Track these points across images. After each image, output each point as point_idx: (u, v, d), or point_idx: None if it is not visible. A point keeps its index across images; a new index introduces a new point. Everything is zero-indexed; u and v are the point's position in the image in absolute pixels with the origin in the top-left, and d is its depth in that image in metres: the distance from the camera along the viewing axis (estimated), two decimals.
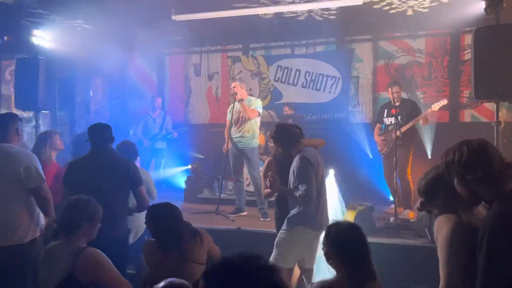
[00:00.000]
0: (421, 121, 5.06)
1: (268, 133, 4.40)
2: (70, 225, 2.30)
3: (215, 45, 7.77)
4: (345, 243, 2.09)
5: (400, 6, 5.59)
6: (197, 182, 6.44)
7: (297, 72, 7.38)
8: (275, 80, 7.50)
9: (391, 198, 5.77)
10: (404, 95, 5.66)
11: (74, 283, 2.13)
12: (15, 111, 5.38)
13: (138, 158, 4.07)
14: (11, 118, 3.18)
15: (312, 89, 7.29)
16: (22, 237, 3.03)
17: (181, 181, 6.59)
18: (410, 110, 5.14)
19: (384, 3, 5.47)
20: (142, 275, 2.34)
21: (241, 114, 5.27)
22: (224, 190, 6.18)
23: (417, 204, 2.12)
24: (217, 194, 6.20)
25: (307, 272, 3.46)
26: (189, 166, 6.45)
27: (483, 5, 3.84)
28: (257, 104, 5.30)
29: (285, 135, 3.39)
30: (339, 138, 6.39)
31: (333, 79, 7.17)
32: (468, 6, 4.65)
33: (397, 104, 4.85)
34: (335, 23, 6.27)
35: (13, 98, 5.45)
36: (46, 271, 2.25)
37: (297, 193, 3.18)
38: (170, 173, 6.72)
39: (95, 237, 2.44)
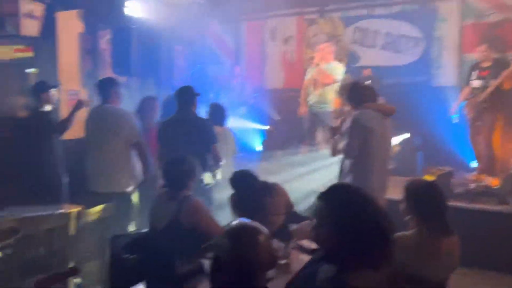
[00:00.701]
0: (505, 84, 4.73)
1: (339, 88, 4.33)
2: (177, 184, 2.63)
3: (292, 8, 7.74)
4: (424, 199, 2.17)
5: None
6: (273, 144, 6.67)
7: (376, 34, 7.15)
8: (353, 42, 7.34)
9: (472, 164, 5.56)
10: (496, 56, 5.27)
11: (179, 226, 2.48)
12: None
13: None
14: (110, 81, 3.59)
15: (392, 51, 7.04)
16: (124, 185, 3.50)
17: (257, 143, 6.86)
18: (500, 68, 4.81)
19: None
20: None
21: (315, 78, 5.32)
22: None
23: None
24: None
25: None
26: (267, 127, 6.67)
27: None
28: (338, 70, 5.31)
29: (353, 94, 3.45)
30: (420, 102, 6.17)
31: (415, 40, 6.85)
32: None
33: (485, 65, 4.57)
34: None
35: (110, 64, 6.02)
36: (156, 214, 2.64)
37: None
38: (247, 133, 7.02)
39: None
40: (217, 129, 3.92)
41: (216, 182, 3.85)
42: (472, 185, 4.44)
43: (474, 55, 5.25)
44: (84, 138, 3.70)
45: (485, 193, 4.29)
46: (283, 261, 2.32)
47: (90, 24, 5.78)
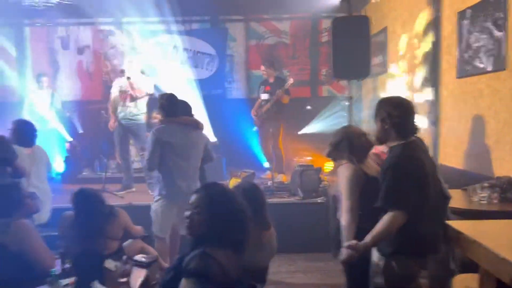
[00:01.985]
0: (282, 99, 5.78)
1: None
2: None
3: (84, 17, 7.34)
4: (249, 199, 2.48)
5: None
6: (77, 162, 6.20)
7: (175, 49, 7.50)
8: (152, 56, 7.48)
9: (265, 165, 6.50)
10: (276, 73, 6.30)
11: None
12: None
13: None
14: None
15: (190, 66, 7.51)
16: None
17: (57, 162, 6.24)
18: (281, 86, 5.82)
19: None
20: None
21: (127, 90, 5.25)
22: (106, 168, 6.11)
23: (326, 152, 2.71)
24: (98, 173, 6.13)
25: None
26: (66, 145, 6.14)
27: None
28: (148, 83, 5.37)
29: (166, 106, 3.67)
30: (219, 113, 6.82)
31: (210, 57, 7.50)
32: None
33: (270, 81, 5.47)
34: (209, 2, 6.53)
35: None
36: None
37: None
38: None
39: None
40: (25, 150, 3.47)
41: None
42: (269, 183, 5.24)
43: (259, 72, 6.21)
44: None
45: (279, 188, 5.14)
46: (123, 279, 2.32)
47: None
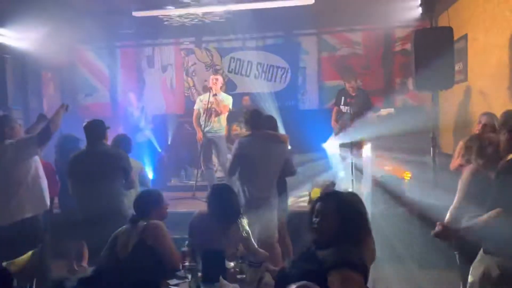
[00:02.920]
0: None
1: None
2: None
3: (168, 38, 7.97)
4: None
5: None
6: (165, 171, 6.73)
7: (249, 64, 7.89)
8: (228, 72, 7.94)
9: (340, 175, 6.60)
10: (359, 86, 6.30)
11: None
12: None
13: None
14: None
15: (263, 79, 7.86)
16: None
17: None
18: (363, 100, 5.90)
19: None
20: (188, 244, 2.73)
21: (212, 107, 5.66)
22: (192, 177, 6.59)
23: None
24: (185, 181, 6.61)
25: None
26: (157, 156, 6.69)
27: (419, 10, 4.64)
28: (229, 100, 5.77)
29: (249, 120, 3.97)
30: (293, 124, 7.04)
31: (283, 70, 7.80)
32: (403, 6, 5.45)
33: (353, 94, 5.59)
34: (282, 18, 6.81)
35: None
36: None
37: None
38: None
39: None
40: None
41: None
42: None
43: (332, 83, 6.36)
44: None
45: None
46: (241, 276, 2.54)
47: None
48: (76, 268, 4.38)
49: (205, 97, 5.74)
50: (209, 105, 5.64)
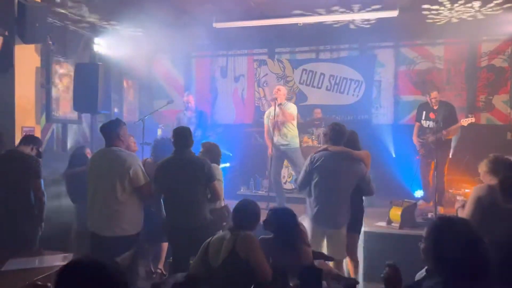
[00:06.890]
0: (450, 135, 5.52)
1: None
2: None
3: (241, 48, 8.11)
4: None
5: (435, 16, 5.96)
6: (234, 179, 6.79)
7: (322, 76, 7.80)
8: (300, 83, 7.90)
9: (417, 194, 6.26)
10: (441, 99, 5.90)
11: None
12: (70, 112, 5.67)
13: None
14: (118, 123, 3.50)
15: (336, 92, 7.72)
16: (127, 229, 3.37)
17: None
18: (448, 113, 5.54)
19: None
20: None
21: (278, 118, 5.61)
22: (260, 187, 6.59)
23: None
24: (254, 191, 6.63)
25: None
26: (228, 164, 6.77)
27: None
28: (293, 109, 5.70)
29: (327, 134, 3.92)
30: (363, 138, 6.81)
31: (357, 83, 7.62)
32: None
33: (435, 108, 5.28)
34: (358, 30, 6.66)
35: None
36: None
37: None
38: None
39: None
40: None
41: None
42: (430, 215, 5.03)
43: (408, 97, 6.03)
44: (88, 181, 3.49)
45: None
46: None
47: (47, 58, 5.49)
48: (152, 269, 4.49)
49: (271, 112, 5.68)
50: (276, 118, 5.59)
